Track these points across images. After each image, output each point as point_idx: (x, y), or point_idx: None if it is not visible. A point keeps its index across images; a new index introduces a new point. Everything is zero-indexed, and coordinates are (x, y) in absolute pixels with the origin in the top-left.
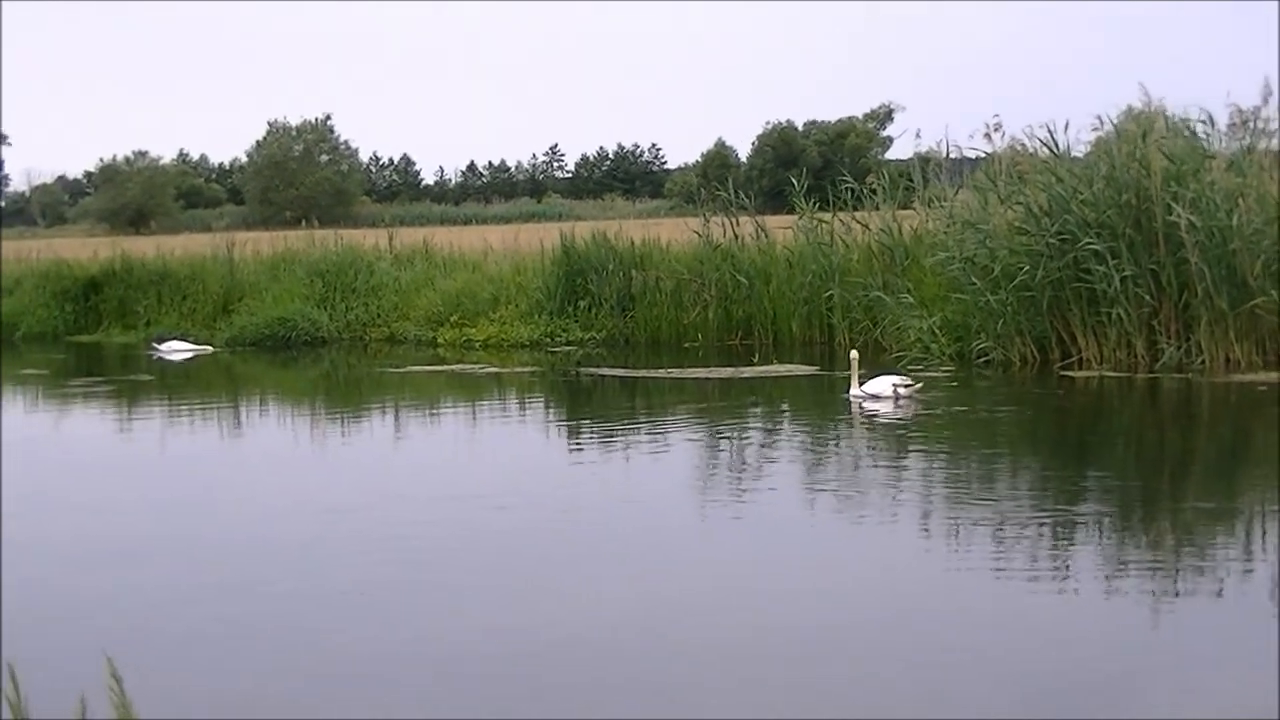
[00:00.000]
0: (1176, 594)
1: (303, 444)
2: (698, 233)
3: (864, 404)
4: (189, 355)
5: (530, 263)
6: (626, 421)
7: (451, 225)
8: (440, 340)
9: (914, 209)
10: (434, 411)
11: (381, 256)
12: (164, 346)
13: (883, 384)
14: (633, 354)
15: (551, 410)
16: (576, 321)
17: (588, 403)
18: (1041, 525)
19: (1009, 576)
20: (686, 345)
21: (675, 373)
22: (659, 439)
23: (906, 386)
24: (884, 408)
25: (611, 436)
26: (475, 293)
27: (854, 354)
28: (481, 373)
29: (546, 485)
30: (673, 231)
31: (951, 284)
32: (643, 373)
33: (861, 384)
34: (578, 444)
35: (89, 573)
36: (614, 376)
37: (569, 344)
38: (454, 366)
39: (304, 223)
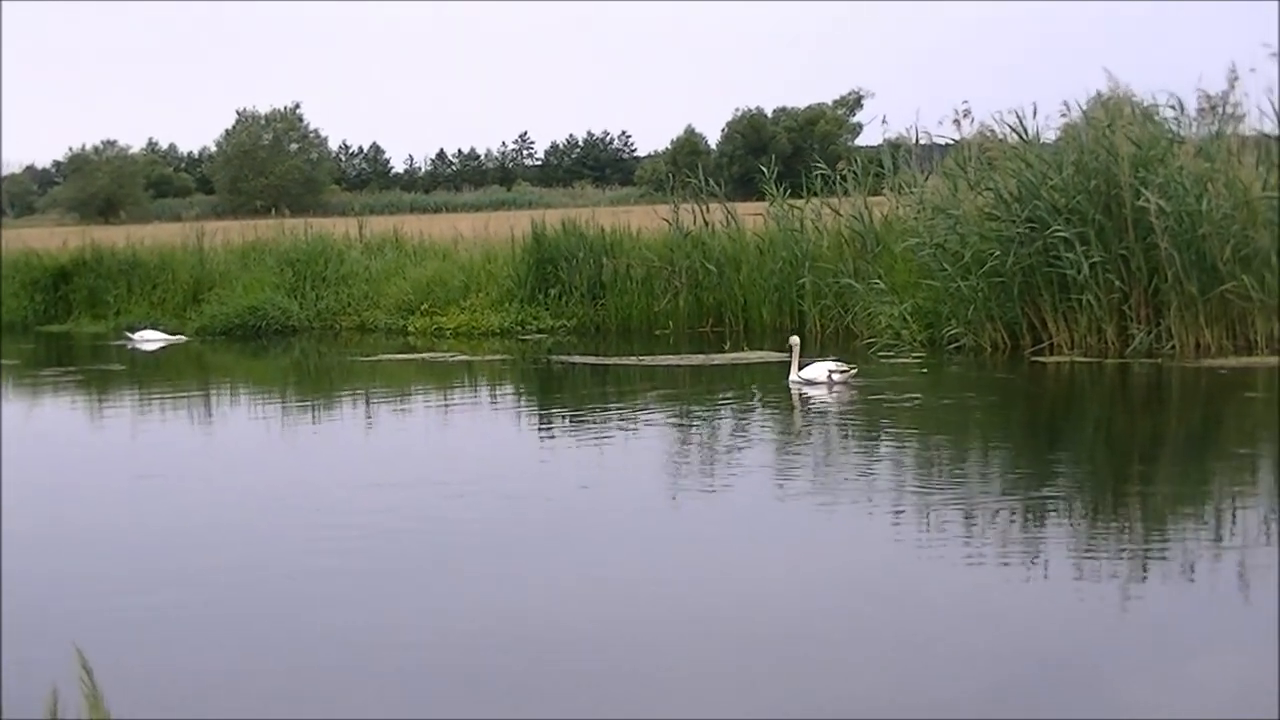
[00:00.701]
0: (1146, 578)
1: (271, 432)
2: (668, 220)
3: (802, 389)
4: (161, 344)
5: (501, 251)
6: (596, 408)
7: (421, 214)
8: (411, 328)
9: (884, 195)
10: (403, 399)
11: (352, 245)
12: (137, 336)
13: (819, 370)
14: (604, 341)
15: (522, 397)
16: (547, 309)
17: (558, 390)
18: (1011, 511)
19: (977, 563)
20: (657, 333)
21: (646, 360)
22: (629, 425)
23: (841, 372)
24: (820, 392)
25: (581, 423)
26: (446, 281)
27: (794, 340)
28: (452, 361)
29: (515, 472)
30: (643, 219)
31: (922, 270)
32: (614, 360)
33: (800, 370)
34: (548, 431)
35: (57, 561)
36: (585, 364)
37: (540, 332)
38: (425, 355)
39: (274, 212)
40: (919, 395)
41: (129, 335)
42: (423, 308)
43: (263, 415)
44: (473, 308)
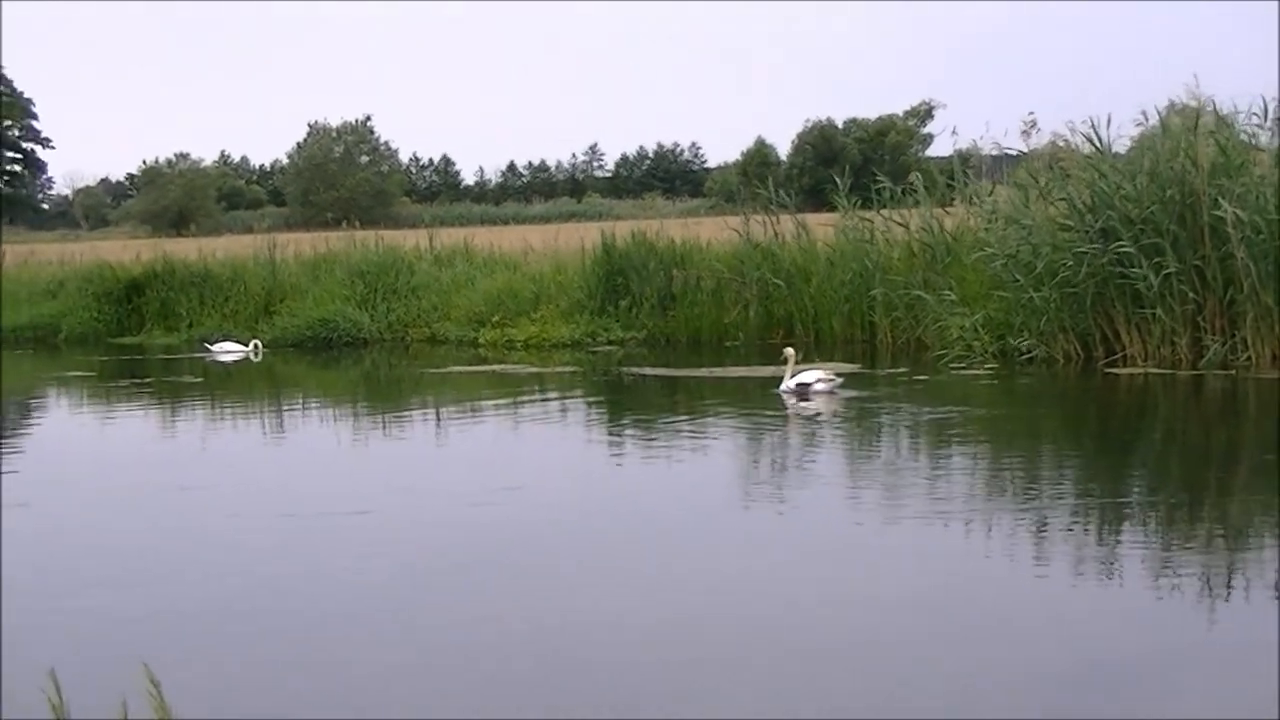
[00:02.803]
0: (1225, 592)
1: (342, 444)
2: (738, 231)
3: (791, 398)
4: (239, 356)
5: (570, 262)
6: (666, 420)
7: (492, 225)
8: (481, 340)
9: (954, 206)
10: (473, 411)
11: (422, 257)
12: (216, 348)
13: (806, 378)
14: (673, 353)
15: (591, 409)
16: (617, 321)
17: (627, 402)
18: (1085, 523)
19: (1050, 575)
20: (727, 344)
21: (717, 372)
22: (698, 438)
23: (828, 381)
24: (808, 401)
25: (650, 435)
26: (516, 292)
27: (788, 351)
28: (523, 373)
29: (585, 485)
30: (713, 230)
31: (993, 281)
32: (684, 372)
33: (792, 378)
34: (617, 443)
35: (124, 575)
36: (655, 376)
37: (610, 343)
38: (495, 367)
39: (344, 224)
40: (990, 407)
41: (207, 347)
42: (493, 320)
43: (333, 427)
44: (543, 319)
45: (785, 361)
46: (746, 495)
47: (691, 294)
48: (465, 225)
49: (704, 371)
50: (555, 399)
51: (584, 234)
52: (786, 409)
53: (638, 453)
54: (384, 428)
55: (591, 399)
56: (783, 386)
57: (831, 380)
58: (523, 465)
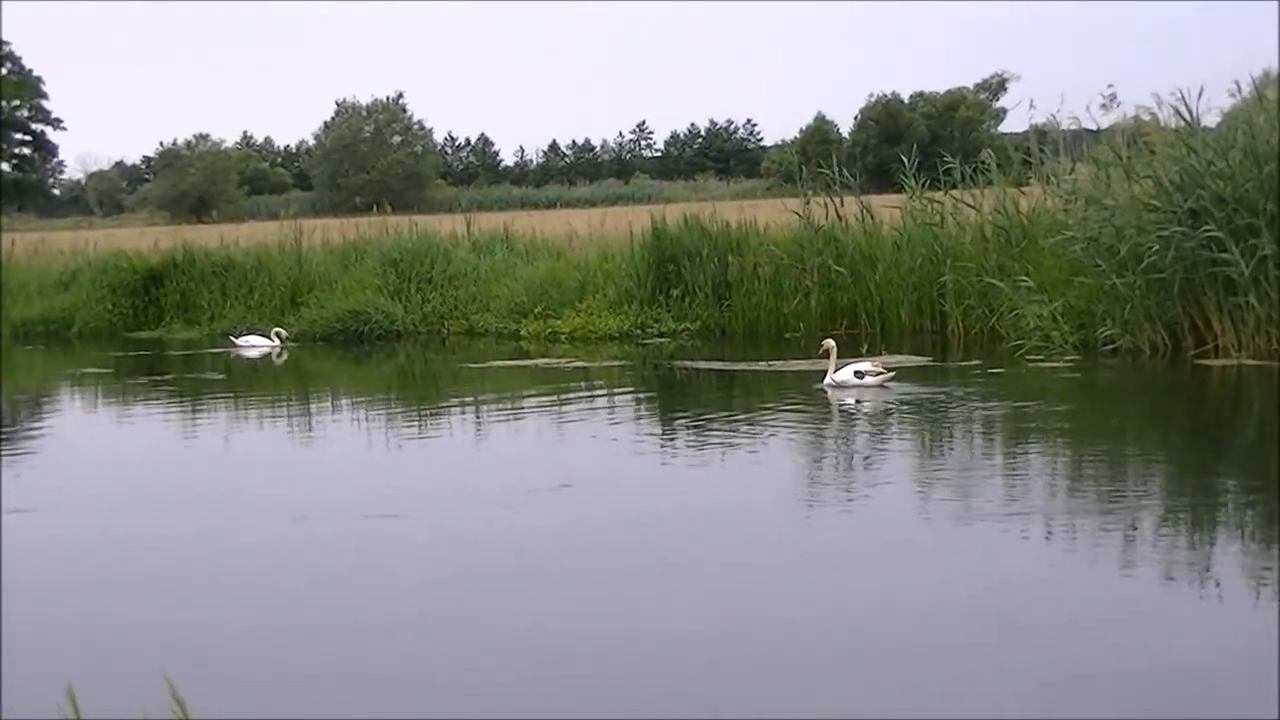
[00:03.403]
0: None
1: (374, 444)
2: (798, 214)
3: (835, 392)
4: (265, 351)
5: (618, 248)
6: (722, 417)
7: (533, 209)
8: (523, 333)
9: (1030, 186)
10: (515, 409)
11: (459, 244)
12: (241, 341)
13: (848, 372)
14: (729, 345)
15: (642, 405)
16: (669, 311)
17: (681, 397)
18: (1175, 526)
19: (1137, 581)
20: (787, 336)
21: (776, 365)
22: (757, 435)
23: (876, 375)
24: (851, 395)
25: (706, 432)
26: (560, 281)
27: (829, 343)
28: (567, 367)
29: (635, 484)
30: (770, 213)
31: (1073, 266)
32: (741, 365)
33: (835, 372)
34: (670, 441)
35: (143, 583)
36: (710, 370)
37: (661, 335)
38: (538, 361)
39: (376, 208)
40: (1070, 401)
41: (232, 340)
42: (536, 310)
43: (365, 425)
44: (589, 310)
45: (826, 355)
46: (808, 496)
47: (748, 282)
48: (505, 209)
49: (762, 365)
50: (602, 395)
51: (632, 218)
52: (838, 404)
53: (691, 452)
54: (419, 427)
55: (641, 395)
56: (825, 381)
57: (880, 374)
58: (567, 466)
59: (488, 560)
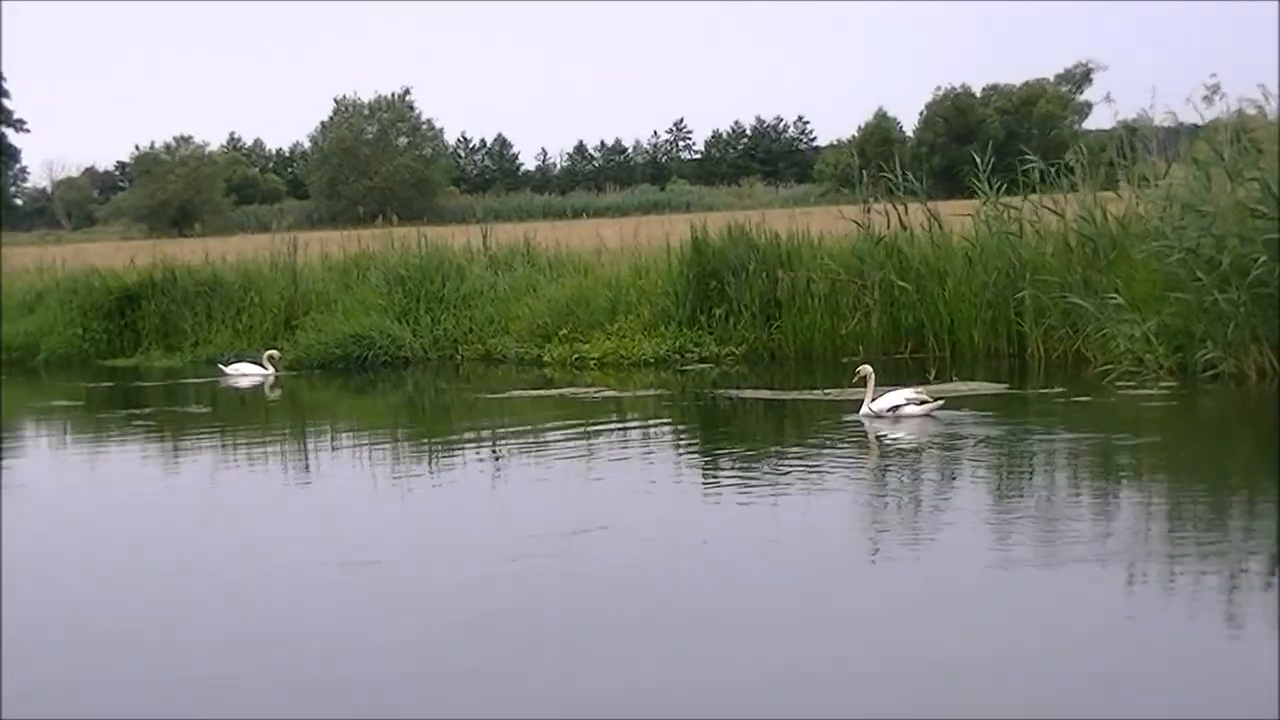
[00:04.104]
0: None
1: (380, 485)
2: (857, 223)
3: (872, 423)
4: (257, 380)
5: (654, 263)
6: (773, 453)
7: (557, 219)
8: (547, 358)
9: (1119, 190)
10: (537, 445)
11: (474, 258)
12: (231, 370)
13: (892, 400)
14: (780, 371)
15: (682, 441)
16: (711, 334)
17: (725, 432)
18: None
19: (1245, 637)
20: (845, 360)
21: (832, 394)
22: (813, 473)
23: (921, 403)
24: (893, 426)
25: (755, 472)
26: (588, 300)
27: (865, 369)
28: (597, 397)
29: (678, 531)
30: (825, 222)
31: (1169, 281)
32: (793, 394)
33: (874, 401)
34: (713, 481)
35: (118, 640)
36: (757, 400)
37: (702, 361)
38: (564, 390)
39: (380, 219)
40: (1165, 433)
41: (221, 368)
42: (561, 333)
43: (370, 465)
44: (621, 333)
45: (863, 381)
46: (871, 541)
47: (801, 300)
48: (525, 219)
49: (817, 394)
50: (636, 428)
51: (669, 228)
52: (879, 436)
53: (738, 493)
54: (430, 465)
55: (680, 429)
56: (862, 411)
57: (924, 402)
58: (599, 510)
59: (506, 614)
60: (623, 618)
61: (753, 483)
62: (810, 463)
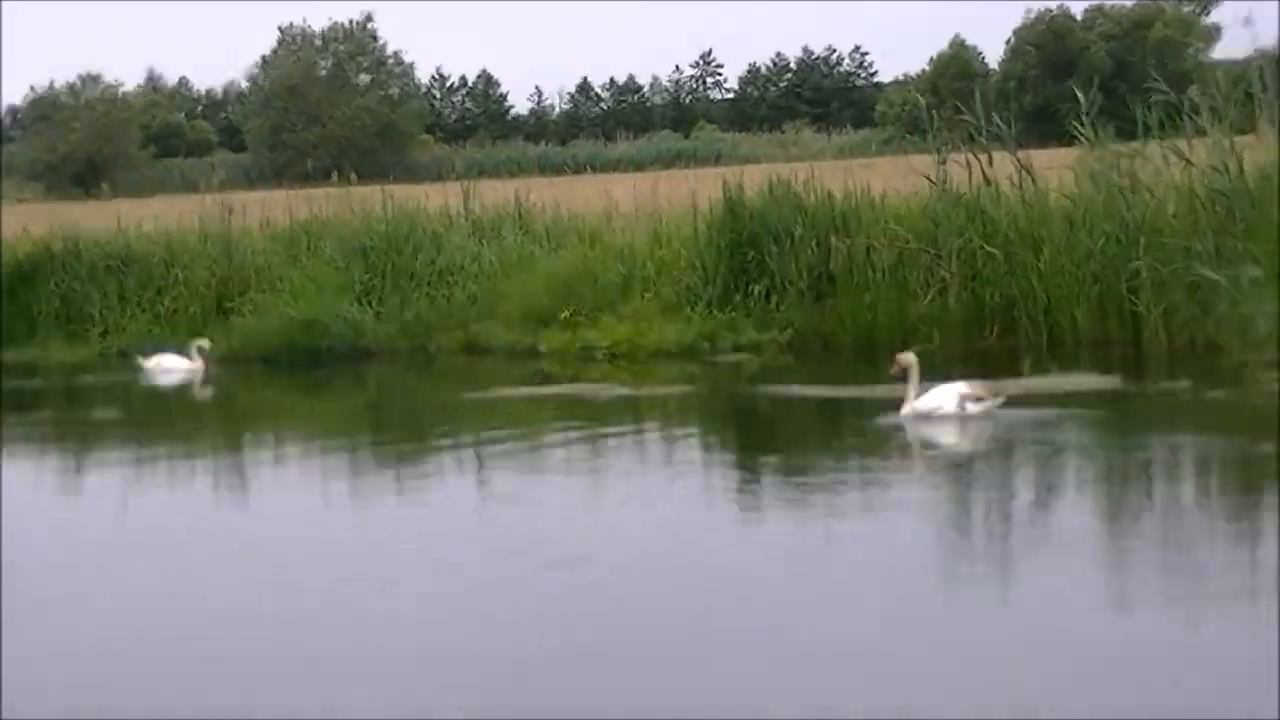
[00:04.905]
0: None
1: (333, 510)
2: (929, 178)
3: (916, 426)
4: (183, 376)
5: (677, 229)
6: (827, 467)
7: (557, 175)
8: (545, 348)
9: (1258, 134)
10: (532, 457)
11: (453, 224)
12: (152, 363)
13: (940, 398)
14: (835, 363)
15: (713, 452)
16: (748, 317)
17: (767, 439)
18: None
19: None
20: (916, 349)
21: (900, 390)
22: (876, 491)
23: (976, 400)
24: (943, 432)
25: (804, 489)
26: (596, 276)
27: (906, 358)
28: (607, 397)
29: (707, 563)
30: (890, 176)
31: None
32: (850, 391)
33: (918, 399)
34: (754, 504)
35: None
36: (807, 398)
37: (738, 349)
38: (565, 388)
39: (336, 175)
40: None
41: (139, 362)
42: (562, 317)
43: (323, 485)
44: (637, 316)
45: (903, 372)
46: (950, 575)
47: (860, 274)
48: (517, 175)
49: (881, 390)
50: (656, 437)
51: (696, 185)
52: (927, 443)
53: (783, 514)
54: (397, 487)
55: (710, 436)
56: (904, 411)
57: (979, 399)
58: (611, 537)
59: (485, 683)
60: (639, 686)
61: (802, 506)
62: (872, 476)
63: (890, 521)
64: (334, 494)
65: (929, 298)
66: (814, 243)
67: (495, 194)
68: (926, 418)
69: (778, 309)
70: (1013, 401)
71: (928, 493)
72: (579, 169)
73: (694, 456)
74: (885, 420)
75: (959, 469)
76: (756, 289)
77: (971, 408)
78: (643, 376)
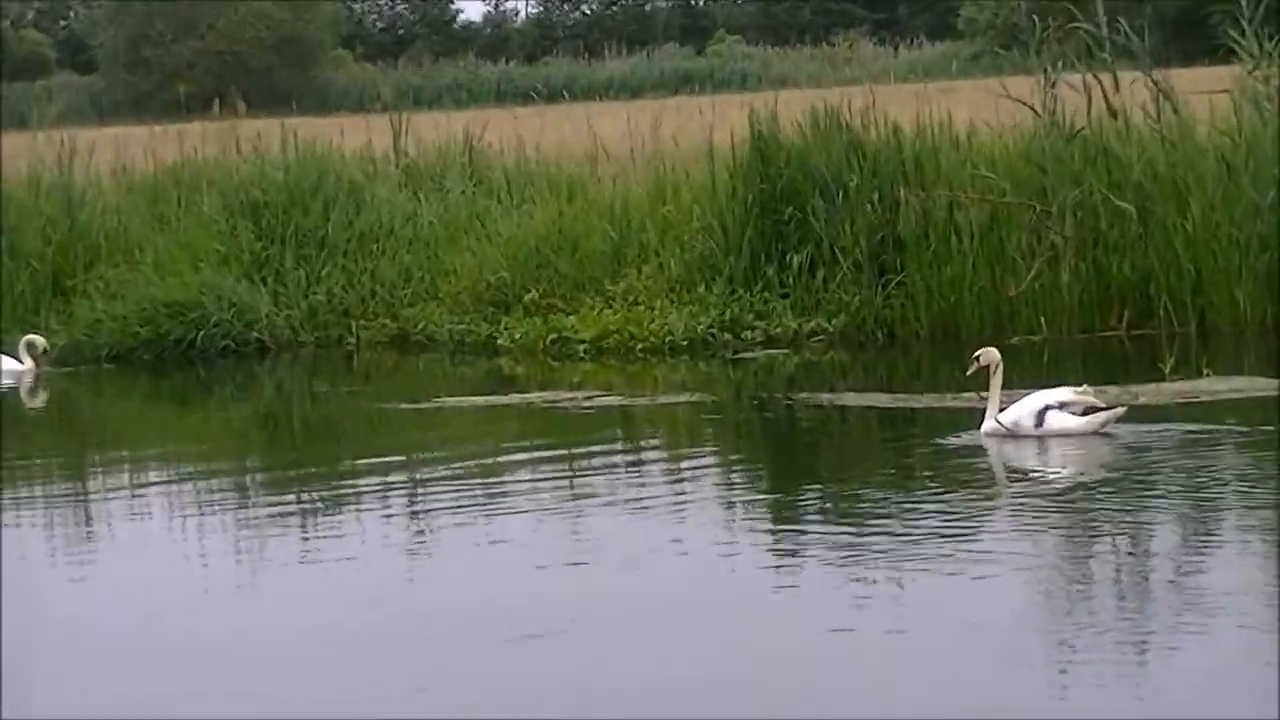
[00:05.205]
0: None
1: (213, 564)
2: (1032, 108)
3: (1001, 446)
4: (13, 378)
5: (687, 177)
6: (892, 501)
7: (522, 104)
8: (505, 342)
9: None
10: (485, 496)
11: (379, 172)
12: None
13: (1028, 409)
14: (903, 359)
15: (735, 483)
16: (785, 298)
17: (809, 466)
18: None
19: None
20: (1014, 340)
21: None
22: (960, 533)
23: (1086, 412)
24: (1038, 457)
25: (863, 540)
26: (575, 242)
27: (988, 354)
28: (589, 409)
29: (729, 627)
30: (977, 105)
31: None
32: (926, 401)
33: (1002, 411)
34: (790, 547)
35: None
36: (865, 409)
37: (770, 343)
38: (533, 396)
39: (218, 105)
40: None
41: None
42: (528, 299)
43: (201, 529)
44: (631, 296)
45: (982, 371)
46: (1070, 647)
47: (939, 239)
48: (468, 106)
49: (968, 399)
50: (655, 466)
51: (713, 117)
52: (1022, 468)
53: (828, 590)
54: (298, 533)
55: (731, 467)
56: (986, 426)
57: (1094, 411)
58: (585, 614)
59: None
60: None
61: (858, 570)
62: (952, 512)
63: (974, 593)
64: (210, 546)
65: (1034, 271)
66: (875, 197)
67: (437, 130)
68: (1011, 436)
69: (825, 287)
70: (1142, 414)
71: (1023, 547)
72: (552, 96)
73: (707, 495)
74: (959, 440)
75: (1062, 512)
76: (796, 260)
77: (1072, 423)
78: (639, 381)
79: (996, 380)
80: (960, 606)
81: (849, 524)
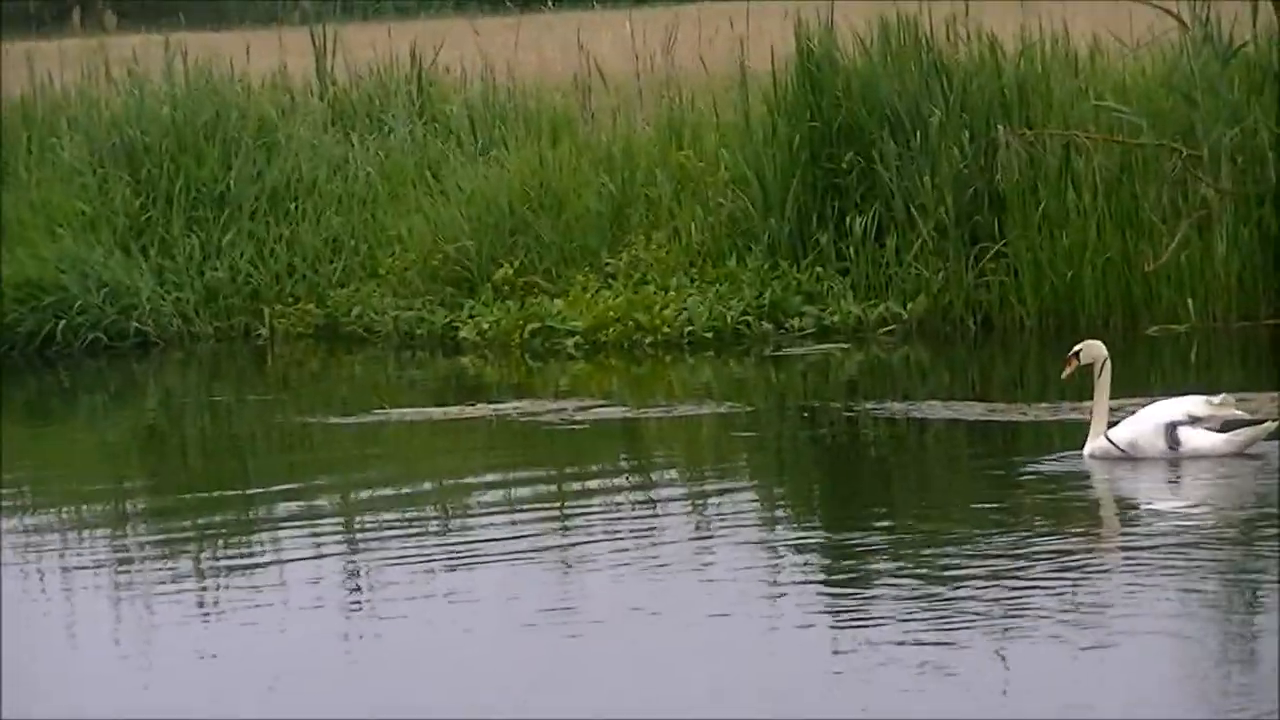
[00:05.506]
0: None
1: (83, 629)
2: (1178, 17)
3: (1113, 468)
4: None
5: (716, 111)
6: (978, 556)
7: (490, 15)
8: (468, 332)
9: None
10: (444, 540)
11: (298, 106)
12: None
13: (1157, 420)
14: (1003, 357)
15: (775, 533)
16: (845, 275)
17: (875, 505)
18: None
19: None
20: (1152, 330)
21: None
22: (1066, 585)
23: (1224, 426)
24: (1161, 485)
25: (940, 618)
26: (562, 200)
27: (1092, 349)
28: (581, 423)
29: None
30: (1101, 13)
31: None
32: (1034, 413)
33: (1114, 426)
34: (851, 636)
35: None
36: (950, 422)
37: (823, 335)
38: (507, 406)
39: (79, 15)
40: None
41: None
42: (499, 276)
43: (64, 585)
44: (636, 272)
45: (1086, 368)
46: None
47: (1052, 195)
48: (415, 16)
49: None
50: (670, 499)
51: (745, 28)
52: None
53: (901, 664)
54: (199, 588)
55: (771, 499)
56: (1091, 446)
57: (1236, 426)
58: (579, 692)
59: None
60: None
61: (937, 635)
62: (1065, 563)
63: (1087, 671)
64: (81, 605)
65: (1178, 238)
66: (965, 137)
67: (375, 49)
68: (1126, 459)
69: (898, 261)
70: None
71: (1152, 610)
72: (527, 4)
73: (739, 541)
74: (1057, 464)
75: (1199, 563)
76: (859, 224)
77: (1207, 442)
78: (648, 387)
79: (1103, 384)
80: (1071, 691)
81: (926, 582)
